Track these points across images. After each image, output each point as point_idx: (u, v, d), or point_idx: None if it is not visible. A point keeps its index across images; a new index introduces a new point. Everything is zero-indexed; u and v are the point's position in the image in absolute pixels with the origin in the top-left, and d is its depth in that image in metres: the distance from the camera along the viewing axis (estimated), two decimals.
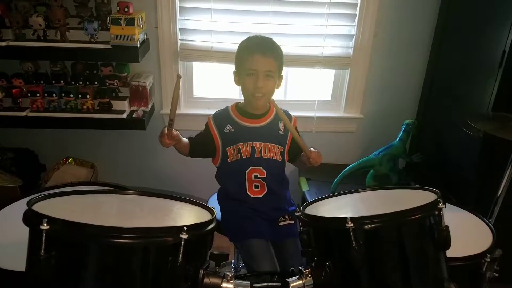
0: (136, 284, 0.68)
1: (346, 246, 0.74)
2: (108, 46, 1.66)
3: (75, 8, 1.74)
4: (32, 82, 1.81)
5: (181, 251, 0.68)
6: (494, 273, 1.16)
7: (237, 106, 1.46)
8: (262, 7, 1.93)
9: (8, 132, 2.00)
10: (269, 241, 1.39)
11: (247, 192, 1.43)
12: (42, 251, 0.63)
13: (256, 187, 1.44)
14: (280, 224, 1.44)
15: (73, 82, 1.83)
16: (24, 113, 1.77)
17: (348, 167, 1.93)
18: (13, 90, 1.78)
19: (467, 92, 1.78)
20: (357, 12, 1.98)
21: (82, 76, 1.83)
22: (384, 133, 2.14)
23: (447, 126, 1.92)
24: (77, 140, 2.11)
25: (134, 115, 1.87)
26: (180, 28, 1.94)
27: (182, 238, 0.68)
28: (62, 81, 1.81)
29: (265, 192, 1.44)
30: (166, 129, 1.29)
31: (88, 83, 1.82)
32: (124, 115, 1.83)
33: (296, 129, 1.43)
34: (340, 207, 0.95)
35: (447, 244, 0.76)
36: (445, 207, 0.76)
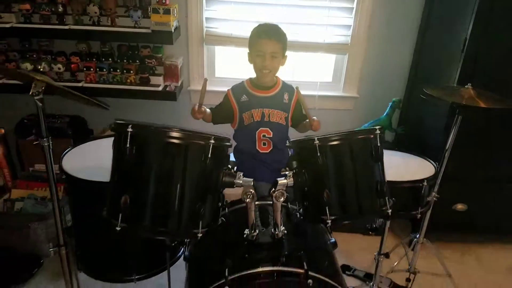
0: (181, 170, 1.07)
1: (314, 157, 1.15)
2: (149, 31, 2.08)
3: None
4: (86, 59, 2.24)
5: (210, 152, 1.09)
6: (434, 198, 1.56)
7: (250, 80, 1.79)
8: (275, 0, 2.31)
9: (65, 101, 2.45)
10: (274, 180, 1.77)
11: (257, 148, 1.77)
12: (128, 145, 1.06)
13: (264, 144, 1.77)
14: (282, 173, 1.82)
15: (118, 60, 2.25)
16: (80, 84, 2.22)
17: None
18: (72, 66, 2.22)
19: (440, 73, 2.14)
20: (354, 6, 2.34)
21: (126, 55, 2.26)
22: (376, 110, 2.48)
23: (425, 102, 2.27)
24: (119, 110, 2.53)
25: (167, 89, 2.29)
26: (206, 17, 2.34)
27: (211, 143, 1.09)
28: (110, 59, 2.25)
29: (271, 148, 1.77)
30: (196, 106, 1.65)
31: (131, 61, 2.25)
32: (160, 88, 2.26)
33: (300, 96, 1.71)
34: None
35: (380, 158, 1.16)
36: (381, 133, 1.16)
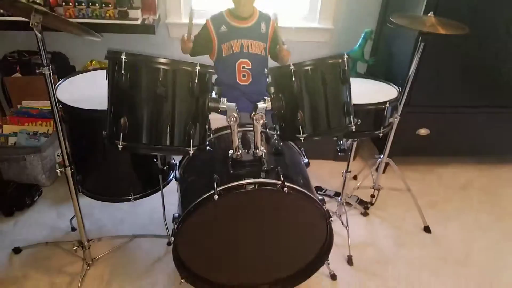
0: (171, 93, 1.19)
1: (290, 82, 1.29)
2: None
3: None
4: None
5: (196, 78, 1.22)
6: (395, 119, 1.76)
7: (229, 10, 1.85)
8: None
9: (46, 37, 2.45)
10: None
11: (237, 80, 1.88)
12: (123, 71, 1.17)
13: (244, 76, 1.88)
14: None
15: None
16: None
17: None
18: (50, 0, 2.21)
19: (410, 3, 2.24)
20: None
21: None
22: (350, 42, 2.58)
23: (395, 32, 2.40)
24: (99, 45, 2.53)
25: (146, 22, 2.32)
26: None
27: (197, 69, 1.22)
28: None
29: (250, 80, 1.88)
30: (185, 36, 1.73)
31: None
32: (138, 22, 2.29)
33: (275, 28, 1.84)
34: None
35: (347, 80, 1.32)
36: (347, 60, 1.30)
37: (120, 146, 1.20)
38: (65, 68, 2.60)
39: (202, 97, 1.29)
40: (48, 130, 2.31)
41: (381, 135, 1.67)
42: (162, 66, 1.19)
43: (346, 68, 1.31)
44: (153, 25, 2.31)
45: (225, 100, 1.35)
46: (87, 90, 1.65)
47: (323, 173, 2.47)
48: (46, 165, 2.23)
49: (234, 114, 1.35)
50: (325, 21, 2.64)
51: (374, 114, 1.63)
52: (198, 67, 1.22)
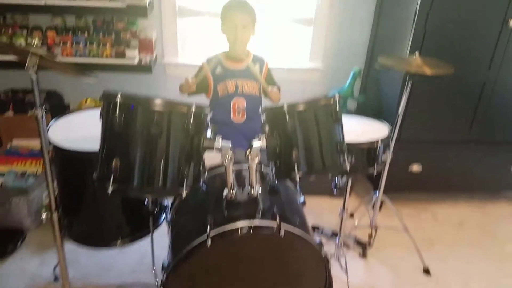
0: (164, 135, 1.19)
1: (284, 122, 1.31)
2: (123, 5, 2.14)
3: None
4: (62, 33, 2.28)
5: (192, 118, 1.23)
6: (388, 156, 1.78)
7: (224, 53, 1.91)
8: None
9: (41, 76, 2.48)
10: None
11: (231, 118, 1.91)
12: (117, 113, 1.18)
13: (238, 114, 1.92)
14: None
15: (94, 34, 2.31)
16: (56, 59, 2.26)
17: None
18: (48, 40, 2.26)
19: (396, 44, 2.34)
20: None
21: (101, 29, 2.31)
22: (339, 80, 2.68)
23: (382, 72, 2.49)
24: (94, 84, 2.57)
25: (142, 62, 2.37)
26: None
27: (192, 110, 1.23)
28: (85, 33, 2.29)
29: (245, 118, 1.92)
30: (189, 78, 1.77)
31: (106, 34, 2.31)
32: (135, 62, 2.34)
33: (269, 70, 1.93)
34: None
35: (340, 120, 1.34)
36: (339, 100, 1.34)
37: (110, 189, 1.18)
38: (59, 106, 2.61)
39: (197, 137, 1.29)
40: (37, 170, 2.27)
41: (375, 173, 1.68)
42: (157, 108, 1.20)
43: (338, 108, 1.34)
44: (150, 65, 2.36)
45: (220, 138, 1.35)
46: (80, 130, 1.64)
47: (319, 210, 2.45)
48: (33, 207, 2.14)
49: (229, 153, 1.35)
50: (315, 61, 2.73)
51: (367, 152, 1.65)
52: (193, 108, 1.24)
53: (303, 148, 1.34)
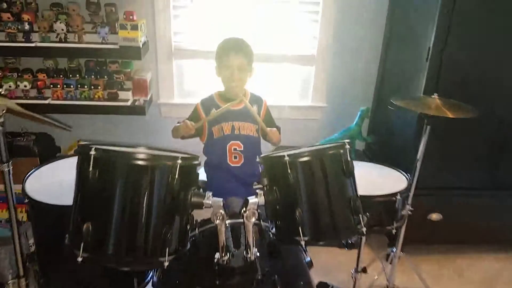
0: (146, 193, 1.04)
1: (285, 174, 1.13)
2: (117, 47, 2.05)
3: (89, 16, 2.13)
4: (53, 76, 2.18)
5: (177, 172, 1.06)
6: (408, 211, 1.56)
7: (219, 93, 1.80)
8: (242, 13, 2.33)
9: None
10: (245, 198, 1.77)
11: (228, 161, 1.76)
12: (90, 168, 1.01)
13: (235, 157, 1.76)
14: (254, 187, 1.80)
15: (86, 76, 2.21)
16: (47, 101, 2.15)
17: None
18: (38, 83, 2.16)
19: (408, 83, 2.19)
20: (319, 18, 2.39)
21: (94, 71, 2.21)
22: (344, 119, 2.51)
23: (393, 112, 2.32)
24: (87, 126, 2.48)
25: (136, 103, 2.25)
26: (174, 32, 2.33)
27: (178, 163, 1.06)
28: (77, 75, 2.19)
29: (242, 162, 1.76)
30: (188, 122, 1.65)
31: (99, 77, 2.20)
32: (128, 103, 2.21)
33: (267, 109, 1.80)
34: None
35: (351, 173, 1.15)
36: (350, 147, 1.15)
37: (80, 258, 0.99)
38: (50, 149, 2.48)
39: (183, 193, 1.11)
40: (22, 217, 2.09)
41: (394, 230, 1.46)
42: (138, 162, 1.03)
43: (349, 159, 1.16)
44: (143, 106, 2.24)
45: (211, 194, 1.16)
46: (62, 180, 1.48)
47: (327, 262, 2.20)
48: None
49: (221, 211, 1.16)
50: (318, 98, 2.59)
51: (384, 207, 1.45)
52: (179, 160, 1.06)
53: (308, 207, 1.15)
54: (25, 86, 2.12)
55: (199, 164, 1.19)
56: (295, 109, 2.58)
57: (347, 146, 1.16)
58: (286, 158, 1.13)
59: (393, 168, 1.70)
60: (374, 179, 1.60)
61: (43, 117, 1.26)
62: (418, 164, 1.66)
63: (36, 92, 2.17)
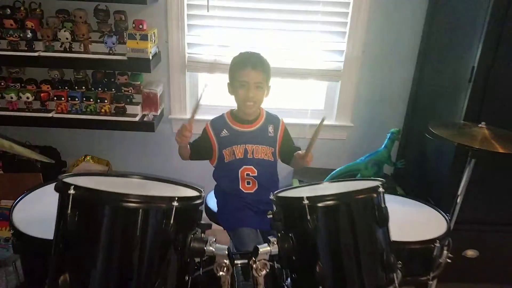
0: (137, 241, 0.88)
1: (303, 220, 0.93)
2: (124, 58, 1.90)
3: (97, 24, 1.99)
4: (58, 87, 2.05)
5: (172, 216, 0.88)
6: (447, 260, 1.33)
7: (231, 112, 1.64)
8: (261, 24, 2.15)
9: (36, 131, 2.25)
10: (258, 230, 1.57)
11: (240, 187, 1.60)
12: (69, 210, 0.84)
13: (248, 183, 1.60)
14: (268, 216, 1.62)
15: (93, 89, 2.06)
16: (50, 114, 2.01)
17: (335, 170, 2.11)
18: (42, 94, 2.02)
19: (445, 105, 1.95)
20: (347, 30, 2.17)
21: (101, 83, 2.07)
22: (372, 141, 2.31)
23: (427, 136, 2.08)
24: (94, 140, 2.34)
25: (145, 119, 2.09)
26: (187, 43, 2.17)
27: (173, 205, 0.88)
28: (83, 87, 2.05)
29: (256, 188, 1.60)
30: (185, 125, 1.47)
31: (106, 89, 2.06)
32: (137, 118, 2.06)
33: (285, 129, 1.63)
34: (304, 192, 1.14)
35: (385, 221, 0.95)
36: (385, 191, 0.95)
37: None
38: (55, 164, 2.34)
39: (180, 240, 0.94)
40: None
41: (430, 282, 1.24)
42: (125, 204, 0.86)
43: (382, 204, 0.95)
44: (152, 122, 2.08)
45: (214, 240, 0.98)
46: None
47: None
48: (12, 281, 1.83)
49: (225, 261, 0.97)
50: (343, 117, 2.37)
51: (419, 255, 1.22)
52: (175, 202, 0.88)
53: (331, 261, 0.95)
54: (28, 98, 2.00)
55: (201, 203, 1.01)
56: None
57: (381, 189, 0.96)
58: (306, 201, 0.94)
59: (428, 205, 1.47)
60: (407, 220, 1.37)
61: (22, 151, 1.10)
62: (459, 200, 1.43)
63: (40, 104, 2.04)
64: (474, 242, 1.96)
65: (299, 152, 1.55)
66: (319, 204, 0.94)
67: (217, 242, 1.01)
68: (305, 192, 1.02)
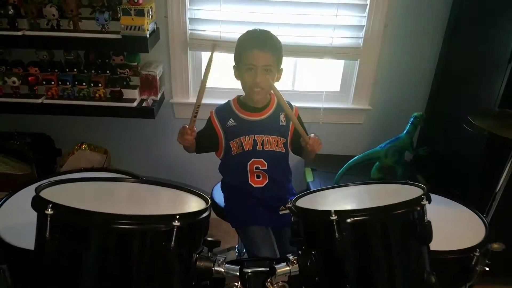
0: (132, 267, 0.74)
1: (330, 237, 0.78)
2: (119, 36, 1.70)
3: None
4: (47, 70, 1.86)
5: (173, 237, 0.73)
6: (485, 267, 1.18)
7: (238, 99, 1.49)
8: None
9: (25, 118, 2.08)
10: (269, 228, 1.44)
11: (249, 182, 1.47)
12: (47, 233, 0.69)
13: (258, 177, 1.47)
14: (280, 213, 1.48)
15: (85, 71, 1.88)
16: (39, 100, 1.84)
17: (353, 159, 1.94)
18: (29, 78, 1.84)
19: (476, 88, 1.75)
20: (368, 2, 1.96)
21: (94, 65, 1.88)
22: (392, 126, 2.13)
23: (455, 121, 1.90)
24: (91, 126, 2.18)
25: (144, 104, 1.91)
26: (189, 18, 1.96)
27: (174, 225, 0.73)
28: (75, 70, 1.86)
29: (266, 182, 1.47)
30: (185, 127, 1.33)
31: (100, 71, 1.87)
32: (134, 104, 1.88)
33: (298, 117, 1.46)
34: (330, 200, 0.99)
35: (428, 239, 0.79)
36: (429, 203, 0.79)
37: None
38: (49, 152, 2.20)
39: (184, 260, 0.79)
40: None
41: None
42: (115, 226, 0.70)
43: (425, 220, 0.78)
44: (152, 108, 1.90)
45: (223, 259, 0.83)
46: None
47: None
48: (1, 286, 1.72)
49: (236, 284, 0.83)
50: (361, 101, 2.19)
51: (455, 265, 1.07)
52: (177, 222, 0.73)
53: (362, 285, 0.79)
54: (14, 82, 1.82)
55: (208, 217, 0.85)
56: (333, 112, 2.18)
57: (424, 202, 0.79)
58: (334, 217, 0.77)
59: (459, 202, 1.30)
60: (437, 221, 1.20)
61: None
62: (497, 198, 1.27)
63: (28, 89, 1.86)
64: (500, 235, 1.80)
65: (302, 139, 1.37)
66: (349, 220, 0.78)
67: (225, 240, 0.87)
68: (330, 200, 0.86)
